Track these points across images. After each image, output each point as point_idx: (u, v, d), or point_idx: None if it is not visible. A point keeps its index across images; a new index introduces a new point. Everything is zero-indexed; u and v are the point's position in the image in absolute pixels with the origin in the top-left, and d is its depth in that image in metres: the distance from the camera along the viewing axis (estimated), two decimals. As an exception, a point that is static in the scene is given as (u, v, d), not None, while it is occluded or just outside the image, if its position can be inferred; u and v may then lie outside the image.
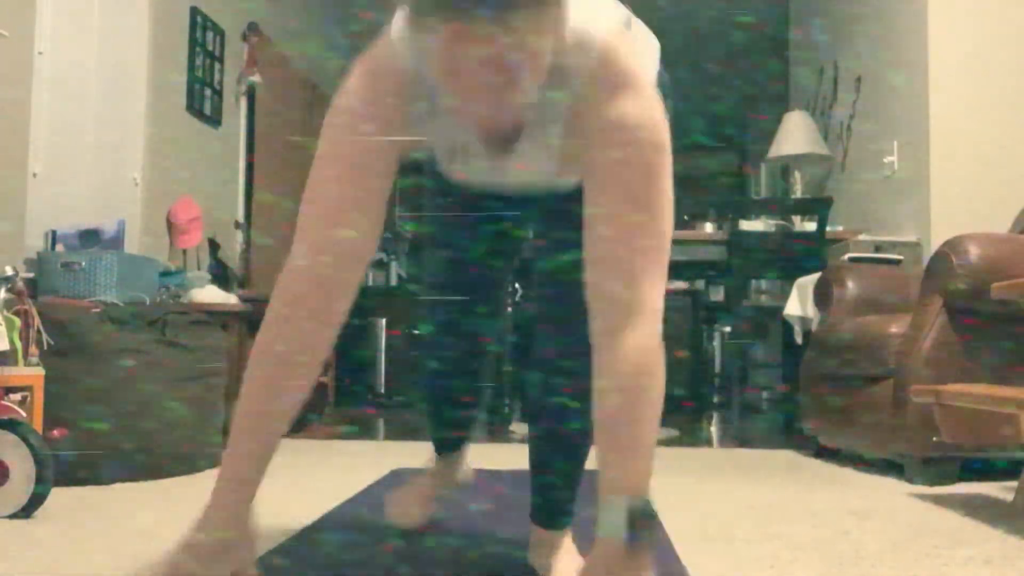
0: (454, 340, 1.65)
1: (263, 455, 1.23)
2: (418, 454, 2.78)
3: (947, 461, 2.72)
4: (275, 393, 1.21)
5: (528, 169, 1.24)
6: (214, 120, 4.65)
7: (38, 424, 2.26)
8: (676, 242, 4.62)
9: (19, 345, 2.27)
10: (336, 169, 1.18)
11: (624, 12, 1.22)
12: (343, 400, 5.29)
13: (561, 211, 1.34)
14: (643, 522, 1.06)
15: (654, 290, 1.14)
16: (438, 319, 1.65)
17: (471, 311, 1.61)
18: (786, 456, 3.45)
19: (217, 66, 4.67)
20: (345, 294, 1.20)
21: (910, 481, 2.74)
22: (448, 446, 1.88)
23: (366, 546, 1.79)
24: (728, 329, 5.57)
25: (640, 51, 1.22)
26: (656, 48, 1.38)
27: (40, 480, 2.04)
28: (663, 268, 1.15)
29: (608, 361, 1.13)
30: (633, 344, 1.11)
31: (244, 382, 1.20)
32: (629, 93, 1.13)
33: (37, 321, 2.36)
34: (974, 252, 2.68)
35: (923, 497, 2.50)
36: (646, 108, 1.13)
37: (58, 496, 2.19)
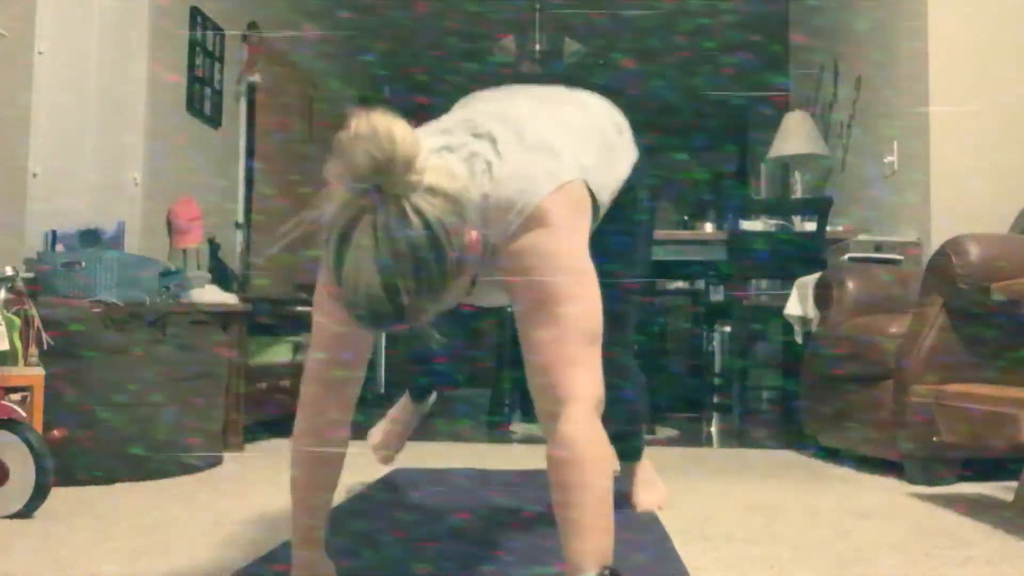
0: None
1: (321, 516, 1.53)
2: (418, 454, 2.78)
3: (947, 461, 2.72)
4: (318, 485, 1.50)
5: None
6: (214, 120, 4.65)
7: (38, 424, 2.26)
8: (676, 242, 4.62)
9: (19, 345, 2.27)
10: (328, 337, 1.42)
11: (578, 163, 1.43)
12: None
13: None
14: None
15: (582, 378, 1.29)
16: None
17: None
18: (786, 456, 3.44)
19: (217, 66, 4.67)
20: (352, 398, 1.47)
21: (910, 481, 2.74)
22: (422, 395, 2.33)
23: (365, 546, 1.79)
24: (728, 329, 5.56)
25: (581, 203, 1.41)
26: (632, 155, 1.71)
27: (40, 480, 2.04)
28: (592, 354, 1.32)
29: (555, 452, 1.27)
30: (569, 441, 1.25)
31: (293, 475, 1.48)
32: (543, 230, 1.32)
33: (37, 321, 2.36)
34: (974, 252, 2.68)
35: (923, 497, 2.50)
36: (558, 242, 1.33)
37: (58, 496, 2.19)
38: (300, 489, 1.47)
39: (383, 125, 1.13)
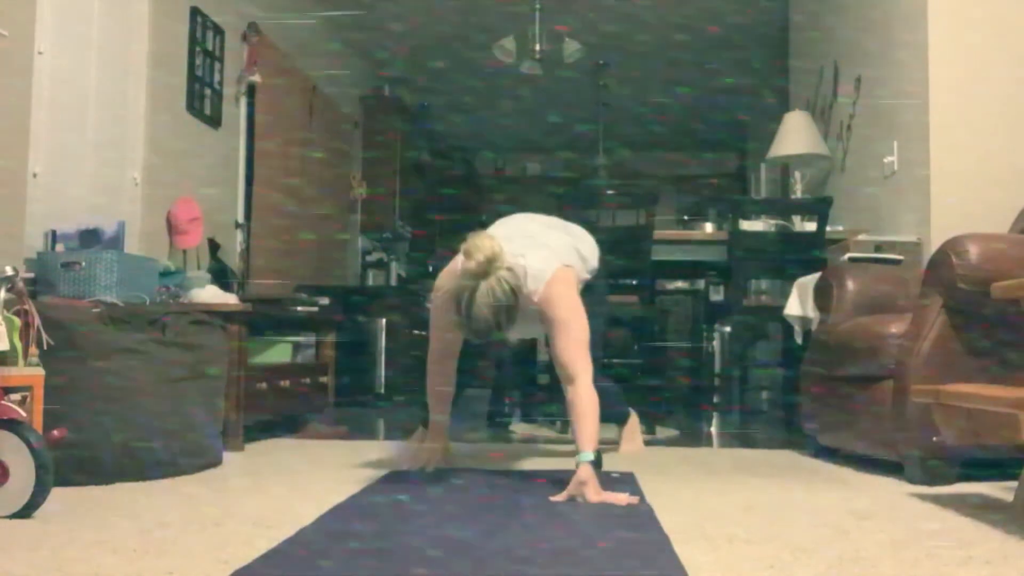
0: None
1: (447, 408, 2.90)
2: (418, 454, 2.79)
3: (947, 461, 2.72)
4: (442, 388, 2.84)
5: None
6: (214, 120, 4.65)
7: (38, 424, 2.26)
8: (676, 242, 4.68)
9: (19, 345, 2.27)
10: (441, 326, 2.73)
11: (569, 254, 2.77)
12: (343, 400, 5.28)
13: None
14: (600, 456, 2.46)
15: (582, 363, 2.54)
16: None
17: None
18: (786, 456, 3.45)
19: (217, 66, 4.67)
20: (455, 355, 2.82)
21: (910, 481, 2.74)
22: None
23: (365, 546, 1.79)
24: (728, 329, 5.57)
25: (571, 278, 2.69)
26: (594, 248, 2.99)
27: (40, 480, 2.04)
28: (586, 351, 2.56)
29: (570, 397, 2.54)
30: (577, 391, 2.52)
31: (429, 384, 2.85)
32: (552, 295, 2.60)
33: (37, 321, 2.36)
34: (974, 252, 2.68)
35: (923, 497, 2.50)
36: (559, 294, 2.60)
37: (58, 496, 2.19)
38: (433, 383, 2.83)
39: (487, 245, 2.40)
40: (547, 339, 2.74)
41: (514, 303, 2.42)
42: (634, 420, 3.57)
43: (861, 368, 3.01)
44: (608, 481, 2.53)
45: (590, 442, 2.42)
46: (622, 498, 2.33)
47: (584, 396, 2.49)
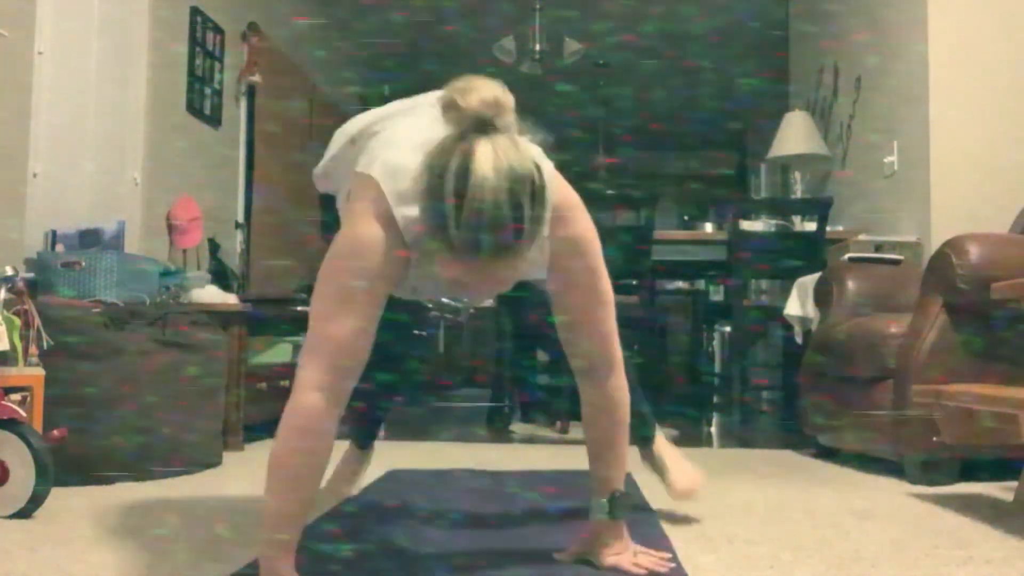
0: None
1: (298, 525, 1.41)
2: (417, 454, 2.79)
3: (947, 461, 2.72)
4: (298, 488, 1.44)
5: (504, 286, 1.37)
6: (214, 120, 4.65)
7: (38, 424, 2.26)
8: (676, 242, 4.65)
9: (19, 345, 2.27)
10: (340, 311, 1.38)
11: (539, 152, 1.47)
12: (343, 400, 5.28)
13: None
14: (620, 506, 1.56)
15: (616, 344, 1.57)
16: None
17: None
18: (786, 456, 3.44)
19: (217, 66, 4.67)
20: (346, 394, 1.44)
21: (910, 481, 2.74)
22: (365, 443, 2.36)
23: (364, 546, 1.79)
24: (728, 329, 5.56)
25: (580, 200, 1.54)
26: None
27: (40, 480, 2.04)
28: (615, 325, 1.56)
29: (596, 398, 1.57)
30: (612, 386, 1.56)
31: (281, 450, 1.45)
32: (574, 220, 1.49)
33: (37, 321, 2.36)
34: (974, 252, 2.68)
35: (923, 497, 2.50)
36: (586, 227, 1.51)
37: (58, 496, 2.19)
38: (284, 483, 1.41)
39: (489, 85, 1.32)
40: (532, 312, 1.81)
41: (543, 190, 1.29)
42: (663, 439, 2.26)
43: (861, 368, 3.01)
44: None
45: (614, 479, 1.58)
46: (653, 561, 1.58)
47: (621, 400, 1.59)
